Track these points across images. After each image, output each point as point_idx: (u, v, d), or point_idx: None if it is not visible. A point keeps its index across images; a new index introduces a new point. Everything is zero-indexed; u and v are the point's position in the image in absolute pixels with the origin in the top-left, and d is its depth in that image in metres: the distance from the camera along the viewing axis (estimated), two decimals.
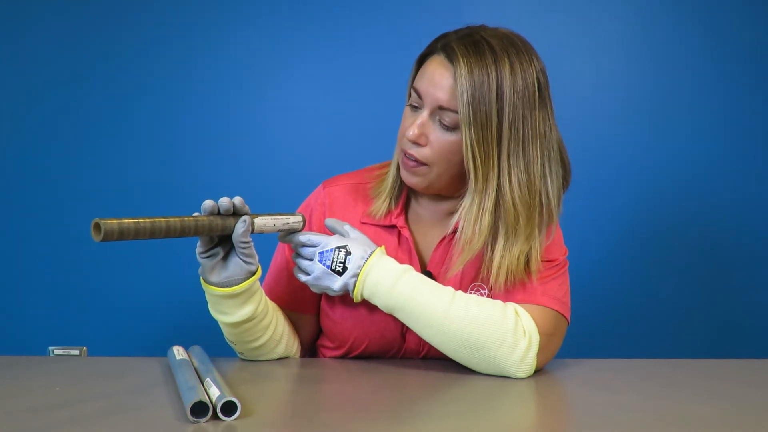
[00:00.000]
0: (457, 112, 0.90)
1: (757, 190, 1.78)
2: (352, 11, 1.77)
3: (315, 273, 0.94)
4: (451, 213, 1.03)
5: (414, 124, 0.93)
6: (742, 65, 1.77)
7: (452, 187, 0.97)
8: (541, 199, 0.94)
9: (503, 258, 0.93)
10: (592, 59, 1.77)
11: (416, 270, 0.98)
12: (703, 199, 1.78)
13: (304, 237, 0.96)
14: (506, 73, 0.90)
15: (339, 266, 0.93)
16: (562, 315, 0.97)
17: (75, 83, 1.77)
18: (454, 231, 1.02)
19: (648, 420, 0.74)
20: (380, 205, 1.02)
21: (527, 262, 0.95)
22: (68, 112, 1.77)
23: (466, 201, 0.94)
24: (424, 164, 0.95)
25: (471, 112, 0.89)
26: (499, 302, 0.94)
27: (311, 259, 0.95)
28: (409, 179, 0.97)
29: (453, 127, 0.92)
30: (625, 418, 0.75)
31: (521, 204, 0.92)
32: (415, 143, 0.94)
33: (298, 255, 0.97)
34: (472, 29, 0.95)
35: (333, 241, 0.95)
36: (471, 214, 0.93)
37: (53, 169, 1.77)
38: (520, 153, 0.91)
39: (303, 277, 0.96)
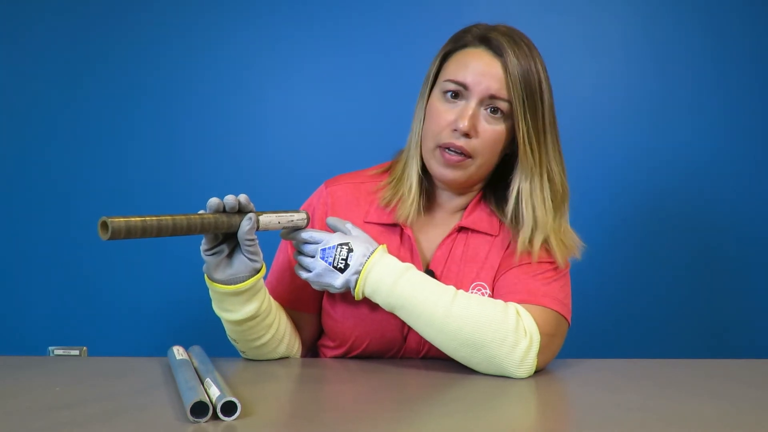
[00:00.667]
0: (507, 100, 0.94)
1: (757, 189, 1.78)
2: (352, 11, 1.77)
3: (317, 270, 0.94)
4: (463, 209, 1.04)
5: (465, 116, 0.95)
6: (742, 65, 1.77)
7: (480, 179, 1.01)
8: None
9: (543, 236, 0.97)
10: (592, 59, 1.77)
11: (418, 269, 0.98)
12: (703, 198, 1.78)
13: (306, 234, 0.96)
14: (539, 64, 0.96)
15: (341, 263, 0.93)
16: (563, 316, 0.97)
17: (75, 83, 1.77)
18: (460, 228, 1.03)
19: (648, 420, 0.74)
20: (408, 208, 1.02)
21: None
22: (68, 112, 1.77)
23: (525, 186, 0.97)
24: (469, 156, 0.96)
25: (526, 99, 0.94)
26: (500, 302, 0.94)
27: (313, 256, 0.95)
28: (450, 174, 0.98)
29: (503, 117, 0.96)
30: (625, 418, 0.75)
31: (566, 183, 0.98)
32: (466, 135, 0.95)
33: (300, 252, 0.97)
34: (491, 26, 0.99)
35: (335, 239, 0.95)
36: (537, 196, 0.97)
37: (53, 169, 1.77)
38: (555, 137, 0.98)
39: (304, 274, 0.96)
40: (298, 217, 0.96)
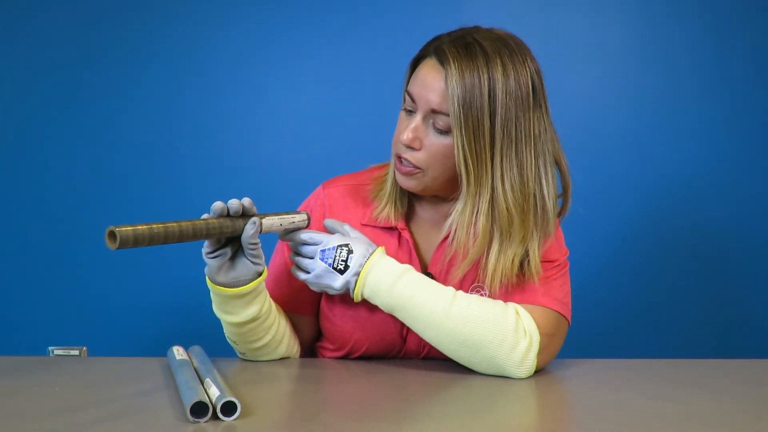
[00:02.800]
0: (449, 115, 0.90)
1: (760, 191, 1.77)
2: (351, 11, 1.77)
3: (316, 270, 0.94)
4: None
5: (408, 128, 0.93)
6: (748, 66, 1.76)
7: (449, 189, 0.97)
8: (535, 201, 0.93)
9: (498, 261, 0.93)
10: (596, 60, 1.77)
11: (417, 271, 0.98)
12: (704, 199, 1.78)
13: (305, 235, 0.96)
14: (498, 74, 0.89)
15: (341, 264, 0.93)
16: (563, 316, 0.97)
17: (71, 85, 1.76)
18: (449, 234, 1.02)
19: (648, 420, 0.74)
20: (382, 208, 1.02)
21: (521, 265, 0.95)
22: (67, 114, 1.77)
23: (459, 205, 0.94)
24: (418, 168, 0.94)
25: (462, 115, 0.88)
26: (499, 302, 0.94)
27: (312, 257, 0.95)
28: (405, 183, 0.97)
29: (446, 131, 0.91)
30: (625, 418, 0.75)
31: (515, 207, 0.91)
32: (410, 147, 0.94)
33: (298, 253, 0.97)
34: (465, 31, 0.95)
35: (335, 240, 0.95)
36: (464, 218, 0.93)
37: (53, 170, 1.77)
38: (513, 155, 0.91)
39: (303, 276, 0.96)
40: (299, 219, 0.96)
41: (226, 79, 1.77)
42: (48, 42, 1.76)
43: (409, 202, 1.05)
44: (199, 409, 0.70)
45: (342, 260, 0.93)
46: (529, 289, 0.96)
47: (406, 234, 1.02)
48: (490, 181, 0.91)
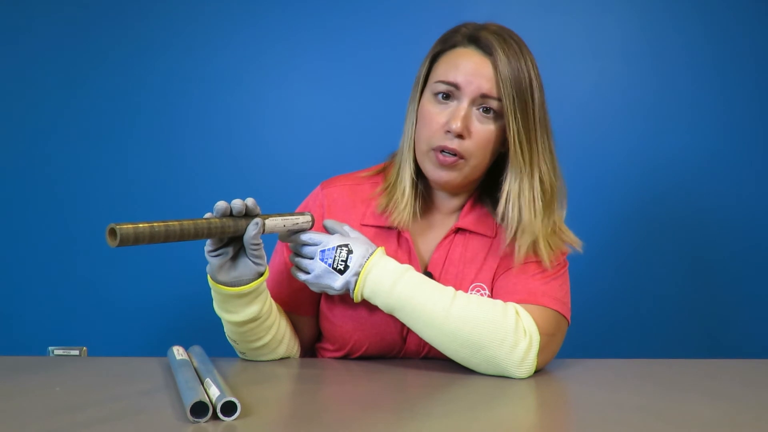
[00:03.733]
0: (498, 99, 0.94)
1: (757, 188, 1.78)
2: (351, 11, 1.77)
3: (316, 271, 0.94)
4: (459, 210, 1.04)
5: (458, 117, 0.94)
6: (741, 64, 1.76)
7: (475, 180, 1.01)
8: (560, 177, 0.99)
9: (540, 238, 0.97)
10: (591, 60, 1.77)
11: (417, 270, 0.98)
12: (702, 197, 1.78)
13: (305, 236, 0.96)
14: (529, 62, 0.95)
15: (341, 265, 0.93)
16: (563, 315, 0.97)
17: (75, 84, 1.77)
18: (457, 229, 1.03)
19: (648, 420, 0.74)
20: (399, 213, 1.01)
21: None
22: (67, 113, 1.77)
23: (514, 186, 0.96)
24: (463, 158, 0.96)
25: (515, 97, 0.93)
26: (499, 302, 0.94)
27: (311, 258, 0.95)
28: (445, 176, 0.98)
29: (495, 116, 0.95)
30: (625, 418, 0.75)
31: (556, 181, 0.97)
32: (459, 136, 0.95)
33: (298, 254, 0.97)
34: (478, 25, 0.99)
35: (334, 240, 0.95)
36: (525, 197, 0.96)
37: (53, 169, 1.77)
38: (545, 136, 0.97)
39: (303, 276, 0.96)
40: (303, 220, 0.96)
41: (229, 80, 1.77)
42: (52, 44, 1.76)
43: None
44: (199, 409, 0.70)
45: (342, 260, 0.93)
46: (529, 288, 0.96)
47: (405, 233, 1.02)
48: (536, 162, 0.96)
